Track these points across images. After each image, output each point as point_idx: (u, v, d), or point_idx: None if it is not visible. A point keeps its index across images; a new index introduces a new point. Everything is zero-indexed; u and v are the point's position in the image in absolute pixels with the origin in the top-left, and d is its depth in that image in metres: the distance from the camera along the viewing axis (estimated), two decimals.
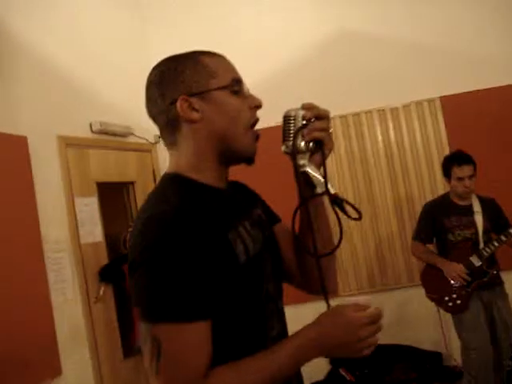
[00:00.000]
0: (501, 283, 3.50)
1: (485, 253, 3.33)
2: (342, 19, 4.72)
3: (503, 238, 3.32)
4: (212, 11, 4.85)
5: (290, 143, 1.20)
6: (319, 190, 1.21)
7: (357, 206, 1.17)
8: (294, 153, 1.20)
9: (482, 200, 3.51)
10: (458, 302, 3.38)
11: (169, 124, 1.22)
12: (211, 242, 1.10)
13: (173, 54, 1.26)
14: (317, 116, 1.21)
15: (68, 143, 3.77)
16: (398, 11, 4.65)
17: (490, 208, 3.50)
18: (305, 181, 1.22)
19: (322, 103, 1.25)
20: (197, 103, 1.19)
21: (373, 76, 4.62)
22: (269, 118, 1.34)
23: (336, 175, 4.59)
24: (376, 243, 4.58)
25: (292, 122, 1.21)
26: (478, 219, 3.41)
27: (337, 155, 4.61)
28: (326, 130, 1.21)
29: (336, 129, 4.58)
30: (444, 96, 4.50)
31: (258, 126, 1.28)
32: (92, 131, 4.01)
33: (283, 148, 1.21)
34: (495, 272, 3.41)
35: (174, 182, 1.22)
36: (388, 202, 4.59)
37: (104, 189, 4.13)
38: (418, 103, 4.57)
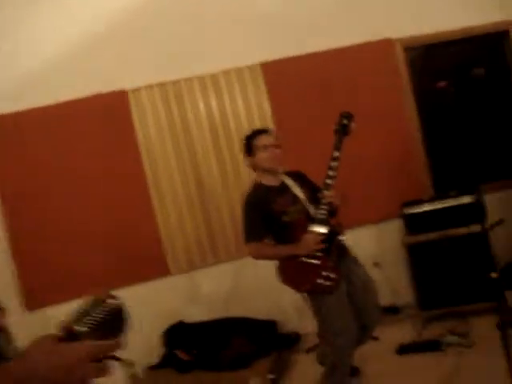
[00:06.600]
0: (347, 246, 3.32)
1: (319, 215, 3.12)
2: None
3: (326, 192, 3.10)
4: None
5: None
6: None
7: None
8: None
9: (289, 174, 3.35)
10: (333, 275, 3.09)
11: None
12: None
13: None
14: None
15: None
16: None
17: (300, 178, 3.37)
18: None
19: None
20: None
21: (191, 42, 4.40)
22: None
23: (158, 147, 4.34)
24: (205, 218, 4.42)
25: None
26: (297, 190, 3.27)
27: (157, 125, 4.36)
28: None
29: (155, 98, 4.32)
30: (265, 62, 4.43)
31: None
32: None
33: None
34: (343, 238, 3.20)
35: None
36: (214, 173, 4.45)
37: None
38: (239, 70, 4.44)
